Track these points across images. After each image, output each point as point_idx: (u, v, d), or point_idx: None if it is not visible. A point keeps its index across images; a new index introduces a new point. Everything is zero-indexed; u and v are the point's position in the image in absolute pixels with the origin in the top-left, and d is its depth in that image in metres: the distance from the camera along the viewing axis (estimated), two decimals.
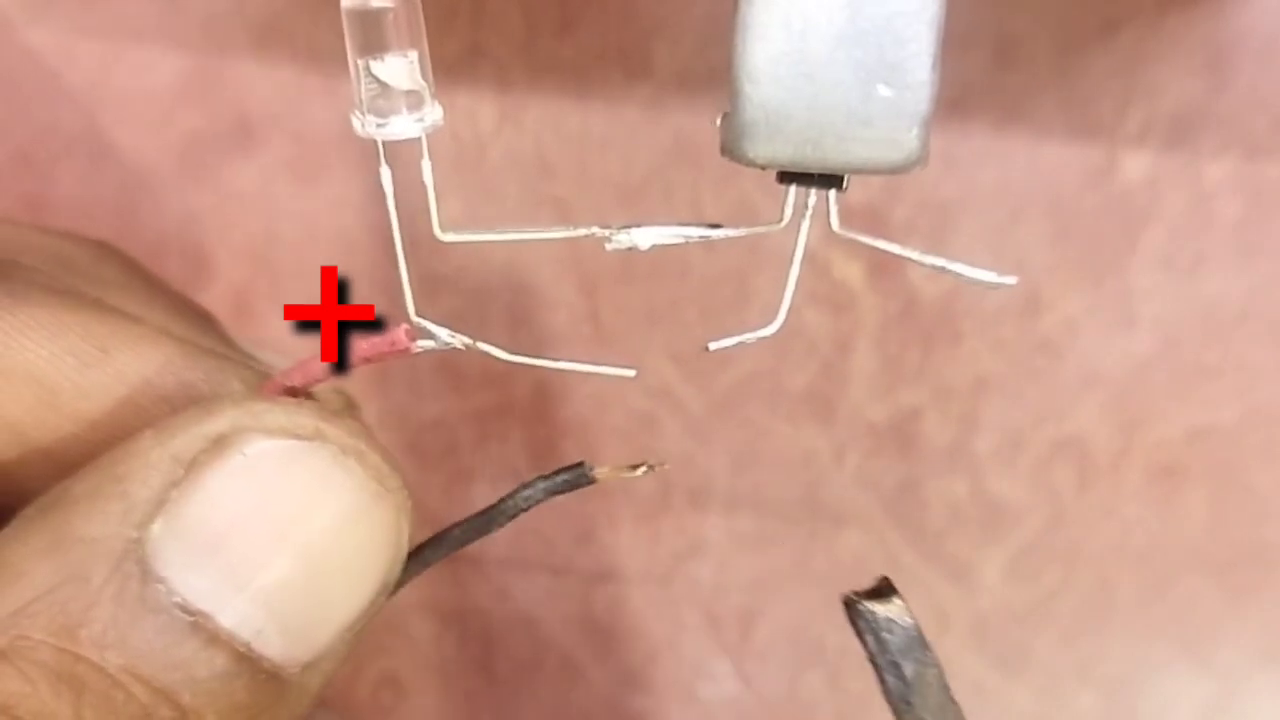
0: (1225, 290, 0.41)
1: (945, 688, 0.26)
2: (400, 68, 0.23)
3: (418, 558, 0.27)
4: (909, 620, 0.26)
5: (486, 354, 0.26)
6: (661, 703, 0.45)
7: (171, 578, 0.23)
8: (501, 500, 0.26)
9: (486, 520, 0.26)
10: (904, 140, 0.22)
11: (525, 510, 0.26)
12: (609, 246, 0.25)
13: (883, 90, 0.21)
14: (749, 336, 0.26)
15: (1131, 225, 0.40)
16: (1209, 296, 0.41)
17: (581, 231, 0.25)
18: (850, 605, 0.26)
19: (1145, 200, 0.40)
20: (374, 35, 0.23)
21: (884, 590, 0.26)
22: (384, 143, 0.24)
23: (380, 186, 0.25)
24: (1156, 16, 0.39)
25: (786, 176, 0.23)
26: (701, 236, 0.25)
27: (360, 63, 0.23)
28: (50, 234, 0.31)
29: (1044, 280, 0.41)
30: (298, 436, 0.24)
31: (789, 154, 0.22)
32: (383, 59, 0.23)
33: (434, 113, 0.24)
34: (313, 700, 0.25)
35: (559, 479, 0.26)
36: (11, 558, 0.24)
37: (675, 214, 0.42)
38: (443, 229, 0.26)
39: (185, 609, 0.23)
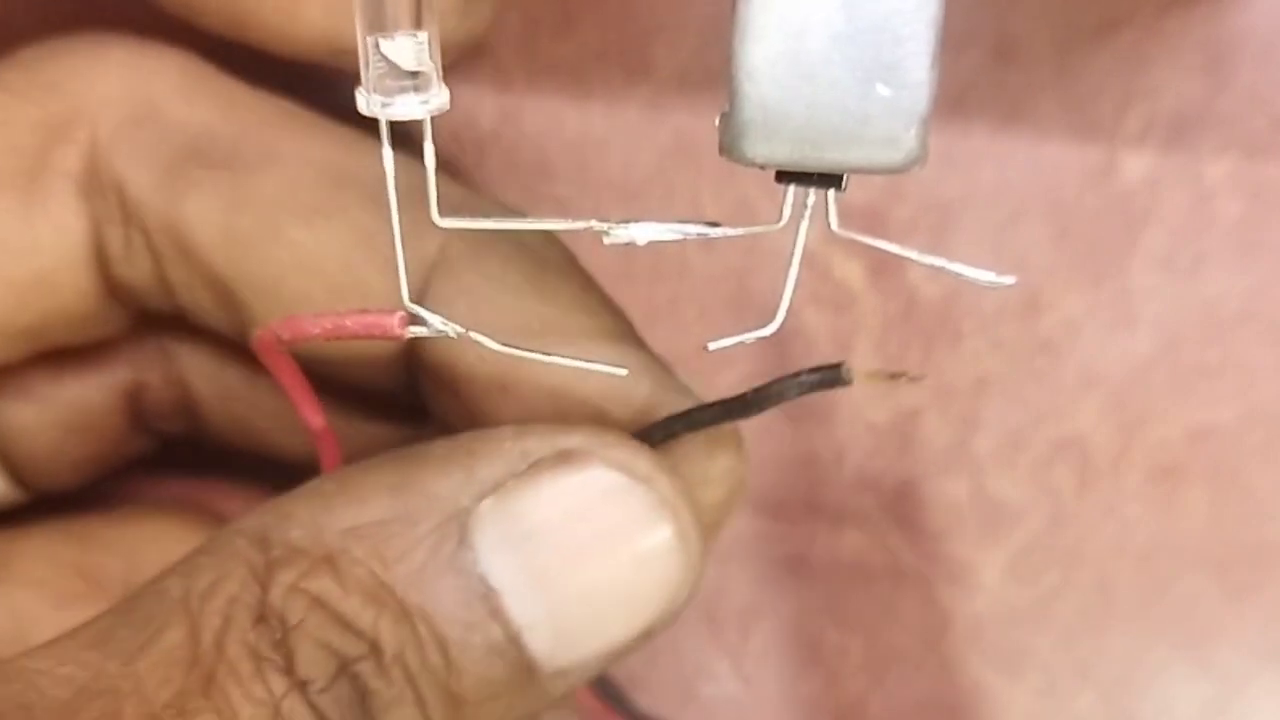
0: (1225, 290, 0.41)
1: None
2: (409, 48, 0.23)
3: (662, 428, 0.28)
4: None
5: (478, 344, 0.26)
6: (661, 703, 0.45)
7: (481, 551, 0.26)
8: (755, 390, 0.27)
9: (736, 407, 0.27)
10: (902, 140, 0.21)
11: (776, 404, 0.26)
12: (607, 240, 0.25)
13: (881, 89, 0.21)
14: (748, 336, 0.26)
15: (1131, 225, 0.40)
16: (1209, 296, 0.41)
17: (580, 224, 0.25)
18: None
19: (1145, 200, 0.40)
20: (384, 14, 0.23)
21: None
22: (388, 123, 0.24)
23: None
24: (1156, 16, 0.39)
25: (785, 176, 0.23)
26: (699, 234, 0.25)
27: (369, 40, 0.23)
28: (500, 204, 0.34)
29: (1044, 280, 0.41)
30: (631, 475, 0.27)
31: (787, 154, 0.22)
32: (392, 38, 0.23)
33: (440, 95, 0.24)
34: (551, 703, 0.28)
35: (815, 377, 0.26)
36: (360, 485, 0.27)
37: (675, 214, 0.42)
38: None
39: (483, 581, 0.26)
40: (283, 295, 0.31)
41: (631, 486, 0.27)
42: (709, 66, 0.41)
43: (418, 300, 0.30)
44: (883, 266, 0.42)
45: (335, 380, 0.33)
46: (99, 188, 0.32)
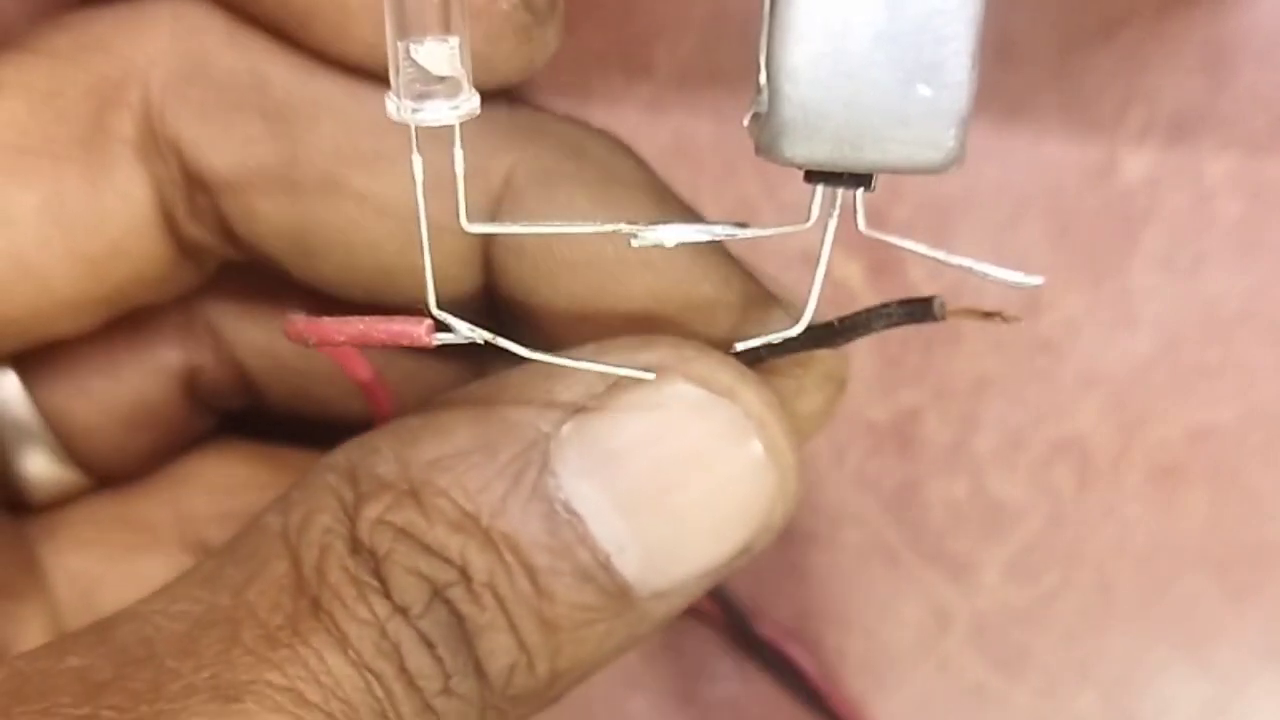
0: (1225, 290, 0.41)
1: None
2: (440, 53, 0.23)
3: (750, 352, 0.27)
4: None
5: (505, 350, 0.26)
6: (661, 703, 0.45)
7: (563, 476, 0.26)
8: (841, 319, 0.26)
9: (823, 335, 0.26)
10: (942, 140, 0.21)
11: (862, 335, 0.26)
12: (635, 243, 0.25)
13: (922, 90, 0.21)
14: (775, 337, 0.26)
15: (1131, 225, 0.41)
16: (1209, 296, 0.41)
17: (608, 227, 0.25)
18: None
19: (1145, 200, 0.40)
20: (415, 19, 0.23)
21: None
22: (417, 129, 0.24)
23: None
24: (1156, 16, 0.39)
25: (814, 176, 0.23)
26: (728, 235, 0.25)
27: (400, 46, 0.23)
28: (564, 121, 0.33)
29: (1044, 280, 0.41)
30: (712, 389, 0.27)
31: (826, 154, 0.22)
32: (422, 43, 0.23)
33: (470, 100, 0.24)
34: (655, 629, 0.27)
35: (905, 310, 0.25)
36: (443, 416, 0.27)
37: None
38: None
39: (566, 507, 0.26)
40: (352, 243, 0.31)
41: (714, 401, 0.27)
42: (709, 66, 0.41)
43: (488, 239, 0.31)
44: (882, 266, 0.42)
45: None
46: (156, 149, 0.31)
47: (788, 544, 0.44)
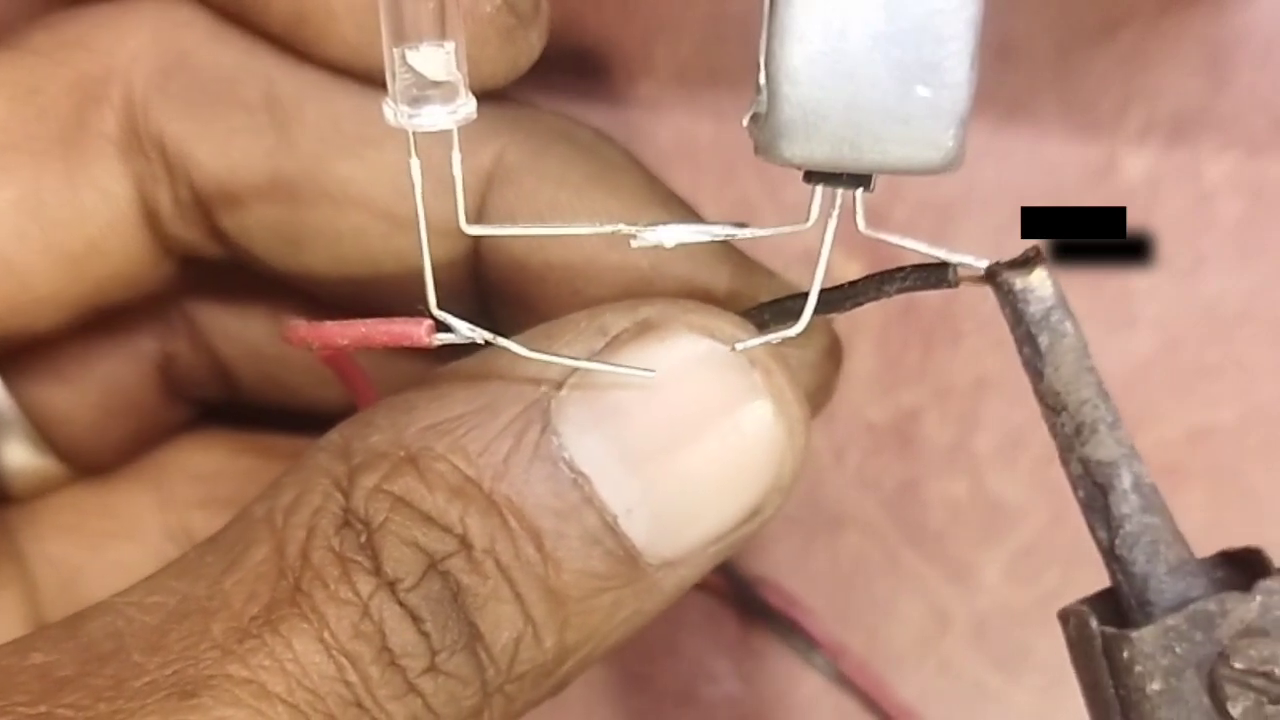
0: (1225, 290, 0.41)
1: (1082, 357, 0.25)
2: (436, 58, 0.23)
3: (753, 317, 0.27)
4: (1048, 290, 0.25)
5: (505, 349, 0.26)
6: (661, 703, 0.45)
7: (566, 435, 0.25)
8: (851, 282, 0.26)
9: (833, 298, 0.26)
10: (941, 140, 0.21)
11: (873, 299, 0.26)
12: (634, 244, 0.25)
13: (921, 90, 0.21)
14: (774, 336, 0.26)
15: (1131, 225, 0.40)
16: (1209, 296, 0.41)
17: (608, 228, 0.25)
18: (991, 275, 0.25)
19: (1145, 200, 0.40)
20: (411, 24, 0.23)
21: (1030, 259, 0.24)
22: (414, 134, 0.24)
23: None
24: (1156, 16, 0.39)
25: (814, 176, 0.23)
26: (728, 235, 0.25)
27: (396, 52, 0.23)
28: (552, 115, 0.33)
29: None
30: (715, 339, 0.26)
31: (826, 154, 0.22)
32: (418, 48, 0.23)
33: (467, 105, 0.24)
34: (665, 603, 0.27)
35: (919, 276, 0.25)
36: (440, 383, 0.27)
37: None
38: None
39: (571, 466, 0.25)
40: (339, 231, 0.31)
41: (718, 350, 0.26)
42: (709, 66, 0.41)
43: (477, 217, 0.30)
44: (882, 266, 0.42)
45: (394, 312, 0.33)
46: (139, 147, 0.31)
47: (787, 543, 0.44)
